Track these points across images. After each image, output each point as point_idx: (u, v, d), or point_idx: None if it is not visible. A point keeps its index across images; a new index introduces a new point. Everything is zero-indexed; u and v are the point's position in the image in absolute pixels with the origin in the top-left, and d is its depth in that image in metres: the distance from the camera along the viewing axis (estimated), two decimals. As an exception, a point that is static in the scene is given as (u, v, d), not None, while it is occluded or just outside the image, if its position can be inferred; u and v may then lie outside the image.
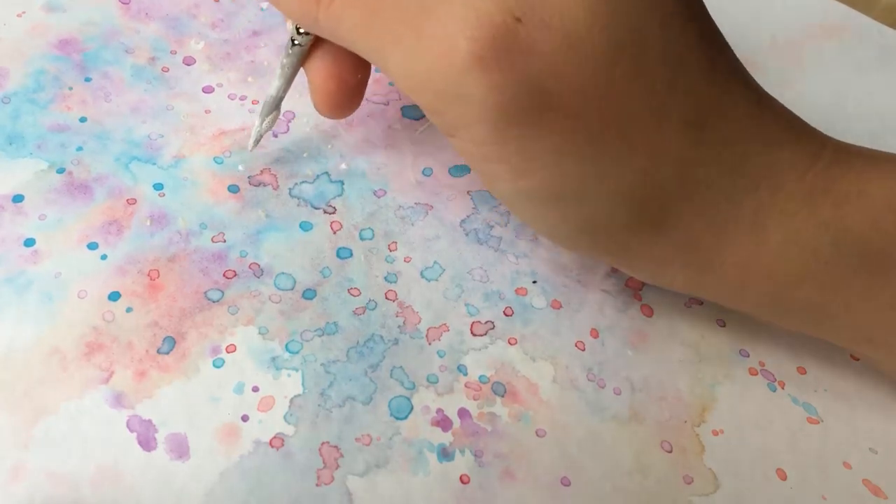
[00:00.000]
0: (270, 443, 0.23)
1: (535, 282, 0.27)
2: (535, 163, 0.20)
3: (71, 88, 0.30)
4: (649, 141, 0.20)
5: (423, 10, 0.19)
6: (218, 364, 0.24)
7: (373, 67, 0.31)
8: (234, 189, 0.28)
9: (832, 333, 0.23)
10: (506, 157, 0.20)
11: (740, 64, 0.22)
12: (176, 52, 0.32)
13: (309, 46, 0.24)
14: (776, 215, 0.21)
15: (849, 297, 0.21)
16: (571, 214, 0.21)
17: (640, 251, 0.22)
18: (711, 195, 0.21)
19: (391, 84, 0.32)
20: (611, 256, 0.23)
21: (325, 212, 0.28)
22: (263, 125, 0.27)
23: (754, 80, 0.22)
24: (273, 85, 0.26)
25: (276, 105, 0.27)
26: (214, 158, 0.29)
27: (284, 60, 0.25)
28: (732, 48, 0.22)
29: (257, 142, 0.28)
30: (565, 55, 0.19)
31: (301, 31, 0.23)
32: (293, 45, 0.24)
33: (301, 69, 0.25)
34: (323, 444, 0.23)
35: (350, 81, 0.24)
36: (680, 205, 0.21)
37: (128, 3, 0.33)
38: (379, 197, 0.28)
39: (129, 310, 0.25)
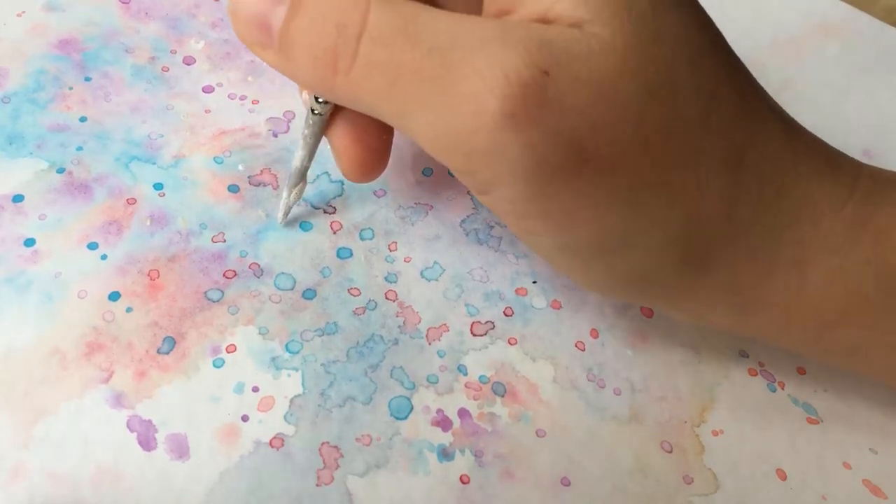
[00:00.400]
0: (270, 443, 0.23)
1: (535, 282, 0.27)
2: (575, 218, 0.19)
3: (71, 88, 0.30)
4: (689, 185, 0.19)
5: (447, 70, 0.18)
6: (218, 364, 0.24)
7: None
8: (234, 189, 0.28)
9: (876, 371, 0.23)
10: (544, 213, 0.20)
11: (770, 96, 0.21)
12: (176, 52, 0.32)
13: (329, 114, 0.23)
14: (817, 251, 0.20)
15: (889, 337, 0.21)
16: (617, 266, 0.21)
17: (685, 295, 0.22)
18: (754, 233, 0.20)
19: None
20: (656, 301, 0.23)
21: (325, 212, 0.28)
22: (291, 197, 0.26)
23: (786, 113, 0.21)
24: (297, 156, 0.25)
25: (301, 176, 0.26)
26: (214, 158, 0.29)
27: (306, 131, 0.24)
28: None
29: (286, 215, 0.27)
30: (596, 106, 0.18)
31: (320, 100, 0.23)
32: (313, 114, 0.23)
33: (324, 137, 0.24)
34: (323, 444, 0.23)
35: (375, 145, 0.24)
36: (724, 246, 0.20)
37: (128, 3, 0.33)
38: (379, 197, 0.28)
39: (129, 310, 0.25)
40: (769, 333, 0.23)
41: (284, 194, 0.26)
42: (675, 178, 0.19)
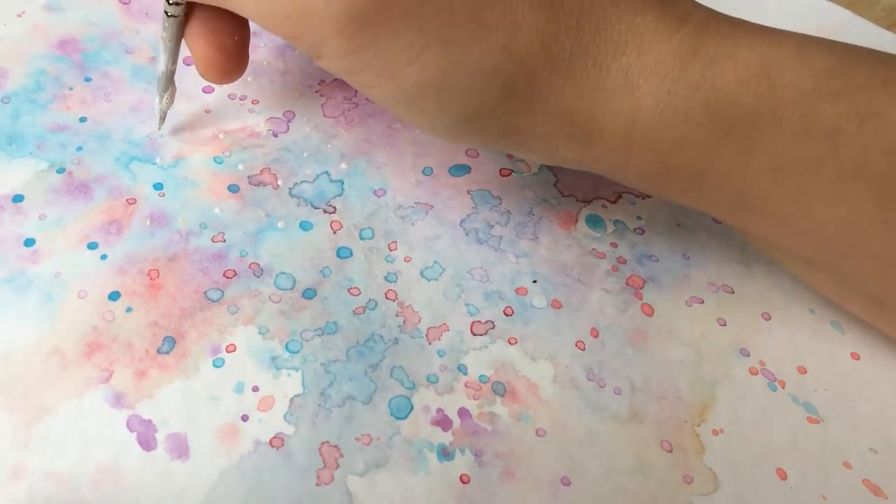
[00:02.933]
0: (270, 442, 0.23)
1: (535, 281, 0.27)
2: (395, 62, 0.21)
3: (71, 88, 0.30)
4: (503, 20, 0.21)
5: None
6: (218, 364, 0.24)
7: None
8: (234, 189, 0.28)
9: (711, 204, 0.24)
10: (367, 63, 0.21)
11: None
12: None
13: (184, 17, 0.25)
14: (647, 77, 0.21)
15: (723, 162, 0.22)
16: (447, 105, 0.22)
17: (523, 130, 0.23)
18: (578, 63, 0.21)
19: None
20: (501, 141, 0.24)
21: (325, 211, 0.28)
22: (164, 103, 0.28)
23: None
24: (160, 60, 0.27)
25: (169, 80, 0.27)
26: (214, 158, 0.29)
27: (164, 34, 0.25)
28: None
29: (163, 120, 0.28)
30: None
31: (171, 1, 0.24)
32: (167, 17, 0.25)
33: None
34: (323, 443, 0.23)
35: (229, 45, 0.25)
36: (549, 76, 0.21)
37: (128, 4, 0.33)
38: (379, 197, 0.28)
39: (129, 309, 0.25)
40: (615, 165, 0.23)
41: (157, 101, 0.28)
42: (488, 15, 0.21)
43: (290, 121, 0.30)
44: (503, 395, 0.24)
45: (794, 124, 0.21)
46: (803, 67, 0.21)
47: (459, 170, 0.29)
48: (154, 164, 0.28)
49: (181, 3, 0.24)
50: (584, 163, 0.24)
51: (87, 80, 0.30)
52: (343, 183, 0.29)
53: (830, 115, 0.20)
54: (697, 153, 0.22)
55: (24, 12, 0.32)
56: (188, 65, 0.31)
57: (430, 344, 0.25)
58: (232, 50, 0.25)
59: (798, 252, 0.24)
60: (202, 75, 0.26)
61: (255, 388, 0.24)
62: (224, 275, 0.26)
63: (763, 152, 0.21)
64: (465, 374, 0.25)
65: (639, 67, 0.21)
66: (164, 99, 0.27)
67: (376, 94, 0.23)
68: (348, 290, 0.26)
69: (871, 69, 0.21)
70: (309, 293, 0.26)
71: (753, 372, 0.25)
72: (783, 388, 0.25)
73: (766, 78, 0.21)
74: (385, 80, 0.22)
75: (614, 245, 0.28)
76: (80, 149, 0.28)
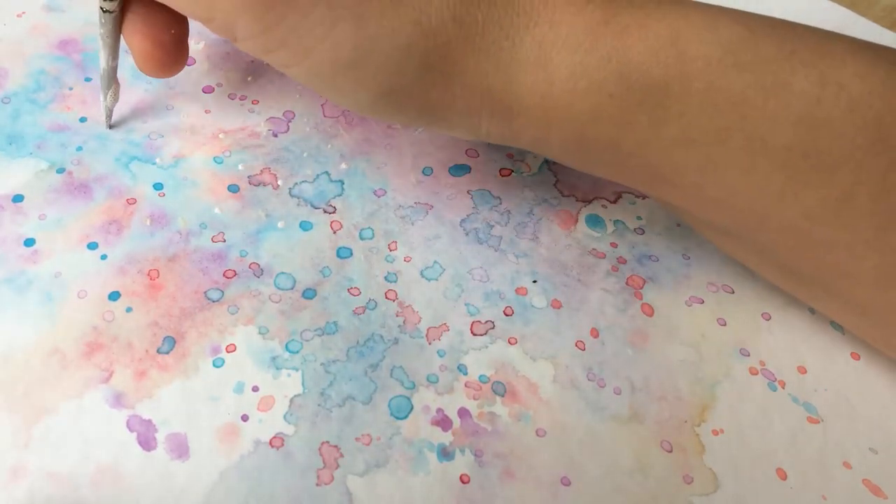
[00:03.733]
0: (270, 442, 0.23)
1: (535, 281, 0.27)
2: (309, 39, 0.21)
3: (71, 88, 0.30)
4: None
5: None
6: (218, 364, 0.24)
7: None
8: (234, 189, 0.28)
9: (631, 176, 0.24)
10: (281, 41, 0.21)
11: None
12: (176, 52, 0.32)
13: (120, 12, 0.25)
14: (559, 49, 0.21)
15: (637, 133, 0.22)
16: (363, 81, 0.22)
17: (443, 106, 0.23)
18: (491, 36, 0.22)
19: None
20: (423, 117, 0.24)
21: (325, 211, 0.28)
22: (108, 100, 0.28)
23: None
24: (101, 57, 0.27)
25: (111, 77, 0.27)
26: (214, 158, 0.29)
27: (101, 31, 0.26)
28: None
29: (110, 117, 0.29)
30: None
31: None
32: (103, 12, 0.25)
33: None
34: (323, 443, 0.23)
35: (165, 39, 0.25)
36: (463, 49, 0.22)
37: (128, 3, 0.33)
38: (379, 196, 0.28)
39: (129, 309, 0.25)
40: (536, 138, 0.23)
41: (101, 98, 0.28)
42: None
43: (289, 121, 0.30)
44: (503, 395, 0.24)
45: (702, 95, 0.21)
46: (712, 38, 0.21)
47: (459, 170, 0.29)
48: (154, 163, 0.28)
49: (115, 0, 0.25)
50: (507, 137, 0.24)
51: (87, 80, 0.30)
52: (343, 183, 0.29)
53: (737, 85, 0.21)
54: (612, 124, 0.22)
55: (24, 12, 0.32)
56: (188, 65, 0.31)
57: (430, 344, 0.25)
58: (168, 44, 0.25)
59: (715, 222, 0.24)
60: (140, 69, 0.26)
61: (255, 388, 0.24)
62: (224, 275, 0.26)
63: (674, 123, 0.21)
64: (465, 374, 0.25)
65: (552, 39, 0.21)
66: (109, 96, 0.28)
67: (295, 73, 0.23)
68: (348, 290, 0.26)
69: (780, 40, 0.21)
70: (309, 293, 0.26)
71: (753, 372, 0.25)
72: (783, 388, 0.25)
73: (674, 48, 0.21)
74: (300, 58, 0.22)
75: (614, 245, 0.28)
76: (80, 149, 0.28)
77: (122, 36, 0.26)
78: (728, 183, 0.22)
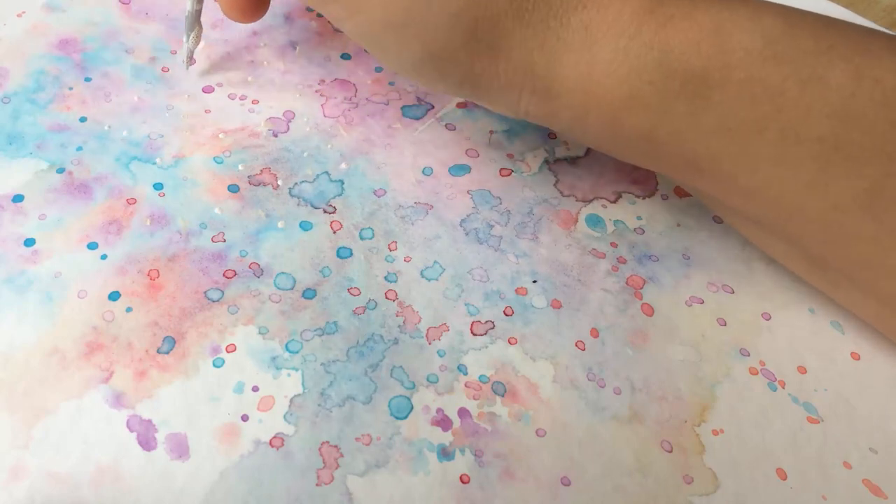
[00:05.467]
0: (270, 443, 0.23)
1: (535, 281, 0.27)
2: None
3: (71, 88, 0.30)
4: None
5: None
6: (218, 364, 0.24)
7: (374, 66, 0.31)
8: (234, 189, 0.28)
9: (666, 164, 0.24)
10: None
11: None
12: (176, 52, 0.32)
13: None
14: (605, 33, 0.22)
15: (675, 122, 0.22)
16: (410, 42, 0.23)
17: (486, 77, 0.23)
18: (540, 13, 0.22)
19: (392, 84, 0.32)
20: (465, 86, 0.24)
21: (325, 211, 0.28)
22: (190, 42, 0.30)
23: None
24: (188, 0, 0.29)
25: (195, 20, 0.29)
26: (214, 158, 0.29)
27: None
28: None
29: (189, 58, 0.30)
30: None
31: None
32: None
33: None
34: (323, 443, 0.23)
35: None
36: (512, 23, 0.22)
37: (128, 4, 0.33)
38: (379, 197, 0.28)
39: (128, 309, 0.25)
40: (574, 123, 0.24)
41: (184, 40, 0.30)
42: None
43: (290, 121, 0.30)
44: (503, 395, 0.24)
45: (741, 85, 0.21)
46: (753, 30, 0.21)
47: (459, 170, 0.29)
48: (154, 164, 0.28)
49: None
50: (545, 117, 0.24)
51: (87, 79, 0.30)
52: (343, 183, 0.29)
53: (775, 77, 0.21)
54: (649, 112, 0.22)
55: (24, 12, 0.32)
56: (189, 65, 0.31)
57: (430, 344, 0.25)
58: None
59: (746, 212, 0.24)
60: (225, 13, 0.27)
61: (255, 388, 0.24)
62: (224, 275, 0.26)
63: (711, 112, 0.22)
64: (465, 374, 0.25)
65: (598, 22, 0.22)
66: (191, 38, 0.29)
67: (346, 27, 0.24)
68: (348, 290, 0.26)
69: (819, 34, 0.21)
70: (309, 293, 0.26)
71: (753, 372, 0.25)
72: (783, 388, 0.25)
73: (716, 38, 0.21)
74: (352, 13, 0.23)
75: (614, 245, 0.28)
76: (80, 149, 0.28)
77: None
78: (761, 173, 0.22)
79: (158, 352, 0.24)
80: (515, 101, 0.24)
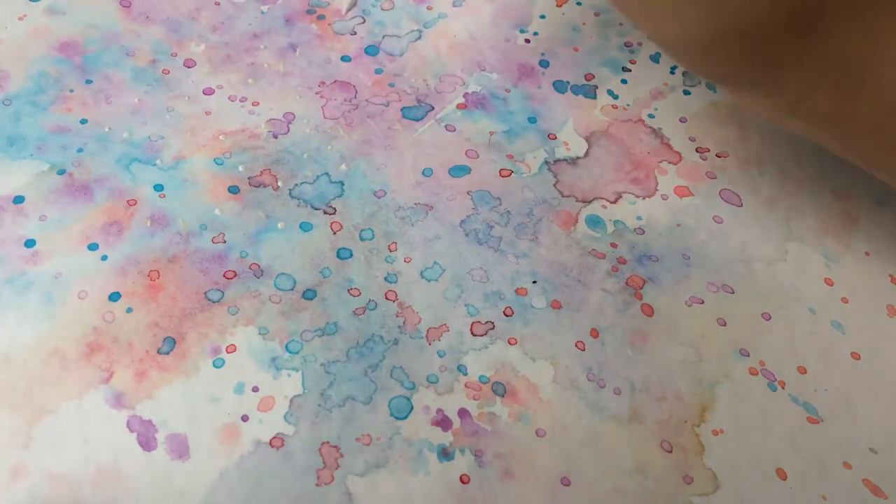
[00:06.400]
0: (270, 443, 0.23)
1: (535, 282, 0.27)
2: None
3: (72, 90, 0.30)
4: None
5: None
6: (218, 364, 0.24)
7: (374, 68, 0.31)
8: (234, 190, 0.28)
9: None
10: None
11: None
12: (176, 55, 0.32)
13: None
14: None
15: None
16: (717, 10, 0.19)
17: (788, 65, 0.20)
18: (877, 4, 0.19)
19: (392, 85, 0.32)
20: (754, 72, 0.21)
21: (325, 212, 0.28)
22: None
23: None
24: None
25: None
26: (215, 159, 0.29)
27: None
28: None
29: (350, 7, 0.31)
30: None
31: None
32: None
33: None
34: (323, 444, 0.23)
35: None
36: (842, 10, 0.19)
37: (129, 7, 0.33)
38: (379, 197, 0.28)
39: (129, 310, 0.25)
40: (869, 128, 0.21)
41: None
42: None
43: (290, 122, 0.30)
44: (503, 396, 0.24)
45: None
46: None
47: (459, 170, 0.29)
48: (154, 165, 0.28)
49: None
50: (826, 119, 0.21)
51: (88, 82, 0.30)
52: (343, 184, 0.29)
53: None
54: None
55: (25, 15, 0.32)
56: (189, 67, 0.31)
57: (429, 344, 0.25)
58: None
59: None
60: None
61: (255, 389, 0.24)
62: (224, 275, 0.26)
63: None
64: (465, 374, 0.25)
65: None
66: None
67: None
68: (348, 290, 0.26)
69: None
70: (309, 294, 0.26)
71: (753, 372, 0.25)
72: (783, 388, 0.25)
73: None
74: None
75: (614, 245, 0.28)
76: (80, 150, 0.28)
77: None
78: None
79: (159, 352, 0.24)
80: (803, 97, 0.21)
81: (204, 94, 0.31)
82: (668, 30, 0.20)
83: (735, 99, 0.24)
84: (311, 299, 0.26)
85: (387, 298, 0.26)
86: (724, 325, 0.26)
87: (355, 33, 0.33)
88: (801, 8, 0.19)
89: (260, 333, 0.25)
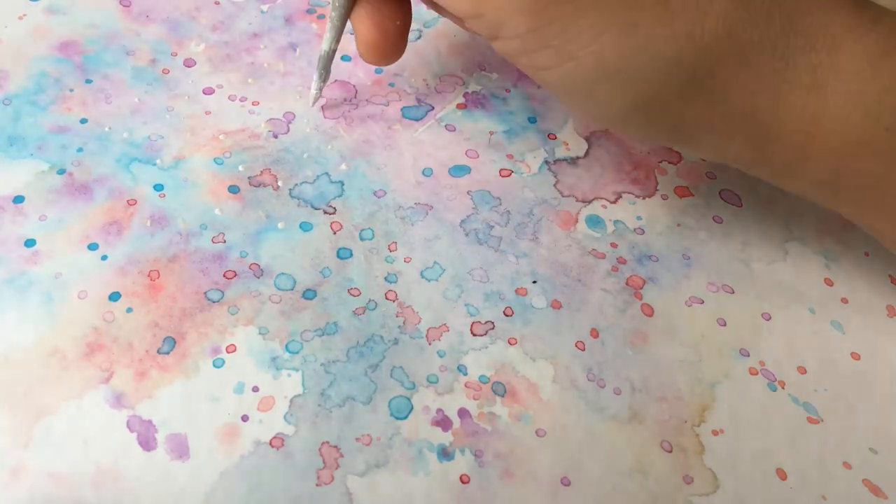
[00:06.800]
0: (270, 443, 0.23)
1: (535, 282, 0.27)
2: (575, 43, 0.20)
3: (72, 90, 0.30)
4: (688, 3, 0.20)
5: None
6: (218, 364, 0.24)
7: (374, 68, 0.31)
8: (234, 190, 0.28)
9: (889, 215, 0.23)
10: (545, 43, 0.21)
11: None
12: (176, 54, 0.32)
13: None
14: (835, 76, 0.20)
15: None
16: (621, 91, 0.21)
17: (698, 125, 0.22)
18: (765, 57, 0.21)
19: (392, 85, 0.32)
20: (671, 134, 0.23)
21: (325, 212, 0.28)
22: (320, 80, 0.29)
23: None
24: (325, 39, 0.28)
25: (329, 60, 0.28)
26: (214, 159, 0.29)
27: (333, 13, 0.27)
28: None
29: (317, 98, 0.30)
30: None
31: None
32: None
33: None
34: (323, 444, 0.23)
35: (391, 28, 0.26)
36: (732, 67, 0.21)
37: (129, 6, 0.33)
38: (379, 197, 0.28)
39: (129, 310, 0.25)
40: (789, 169, 0.22)
41: (315, 78, 0.29)
42: None
43: (290, 122, 0.30)
44: (503, 396, 0.24)
45: None
46: None
47: (459, 170, 0.29)
48: (154, 165, 0.28)
49: None
50: (753, 162, 0.23)
51: (88, 81, 0.30)
52: (343, 184, 0.29)
53: None
54: (881, 160, 0.21)
55: (25, 14, 0.32)
56: (189, 66, 0.31)
57: (430, 344, 0.25)
58: (393, 34, 0.26)
59: None
60: (362, 56, 0.27)
61: (255, 389, 0.24)
62: (224, 275, 0.26)
63: None
64: (465, 374, 0.25)
65: (829, 65, 0.20)
66: (323, 78, 0.29)
67: (549, 77, 0.22)
68: (348, 290, 0.26)
69: None
70: (309, 294, 0.26)
71: (753, 372, 0.25)
72: (783, 388, 0.25)
73: None
74: (562, 61, 0.21)
75: (614, 245, 0.28)
76: (80, 150, 0.28)
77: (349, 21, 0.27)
78: None
79: (159, 352, 0.24)
80: (724, 147, 0.23)
81: (204, 93, 0.31)
82: (587, 107, 0.23)
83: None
84: (311, 299, 0.26)
85: (387, 298, 0.26)
86: (724, 325, 0.26)
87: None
88: (694, 74, 0.21)
89: (260, 333, 0.25)
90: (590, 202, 0.29)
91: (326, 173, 0.29)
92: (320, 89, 0.29)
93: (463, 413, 0.24)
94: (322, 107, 0.31)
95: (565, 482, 0.23)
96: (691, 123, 0.22)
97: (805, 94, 0.21)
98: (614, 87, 0.21)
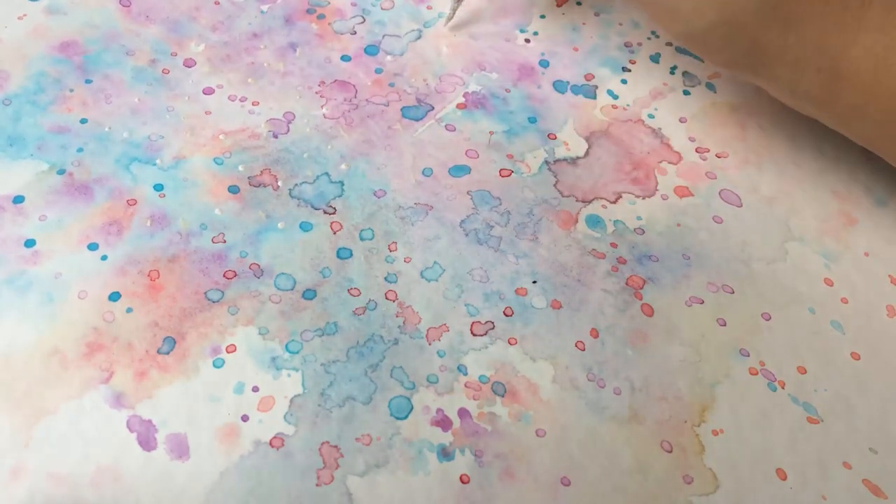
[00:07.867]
0: (270, 443, 0.23)
1: (535, 282, 0.27)
2: None
3: (72, 90, 0.30)
4: None
5: None
6: (218, 364, 0.24)
7: (374, 68, 0.31)
8: (234, 190, 0.28)
9: None
10: None
11: None
12: (176, 54, 0.32)
13: None
14: None
15: None
16: (706, 5, 0.22)
17: (774, 51, 0.23)
18: None
19: (392, 85, 0.32)
20: (748, 59, 0.24)
21: (325, 212, 0.28)
22: (455, 1, 0.31)
23: None
24: None
25: None
26: (214, 159, 0.29)
27: None
28: None
29: (450, 18, 0.32)
30: None
31: None
32: None
33: None
34: (323, 444, 0.23)
35: None
36: (811, 3, 0.22)
37: (128, 6, 0.33)
38: (379, 197, 0.28)
39: (129, 310, 0.25)
40: (855, 110, 0.23)
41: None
42: None
43: (290, 122, 0.30)
44: (503, 396, 0.24)
45: None
46: None
47: (459, 170, 0.29)
48: (154, 165, 0.28)
49: None
50: (823, 103, 0.24)
51: (88, 81, 0.30)
52: (343, 184, 0.29)
53: None
54: None
55: (25, 15, 0.32)
56: (189, 66, 0.31)
57: (430, 344, 0.25)
58: None
59: None
60: None
61: (255, 389, 0.24)
62: (224, 275, 0.26)
63: None
64: (465, 374, 0.25)
65: None
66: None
67: None
68: (348, 290, 0.26)
69: None
70: (309, 294, 0.26)
71: (753, 372, 0.25)
72: (783, 388, 0.25)
73: None
74: None
75: (614, 245, 0.28)
76: (80, 150, 0.28)
77: None
78: None
79: (158, 352, 0.24)
80: (797, 79, 0.23)
81: (204, 93, 0.31)
82: (669, 24, 0.24)
83: (751, 82, 0.27)
84: (311, 299, 0.26)
85: (387, 298, 0.26)
86: (724, 325, 0.26)
87: (355, 33, 0.33)
88: (775, 5, 0.22)
89: (260, 333, 0.25)
90: (590, 202, 0.29)
91: (326, 173, 0.29)
92: (454, 10, 0.31)
93: (463, 413, 0.24)
94: (322, 106, 0.31)
95: (565, 482, 0.23)
96: (767, 49, 0.23)
97: (875, 34, 0.22)
98: (699, 2, 0.22)
